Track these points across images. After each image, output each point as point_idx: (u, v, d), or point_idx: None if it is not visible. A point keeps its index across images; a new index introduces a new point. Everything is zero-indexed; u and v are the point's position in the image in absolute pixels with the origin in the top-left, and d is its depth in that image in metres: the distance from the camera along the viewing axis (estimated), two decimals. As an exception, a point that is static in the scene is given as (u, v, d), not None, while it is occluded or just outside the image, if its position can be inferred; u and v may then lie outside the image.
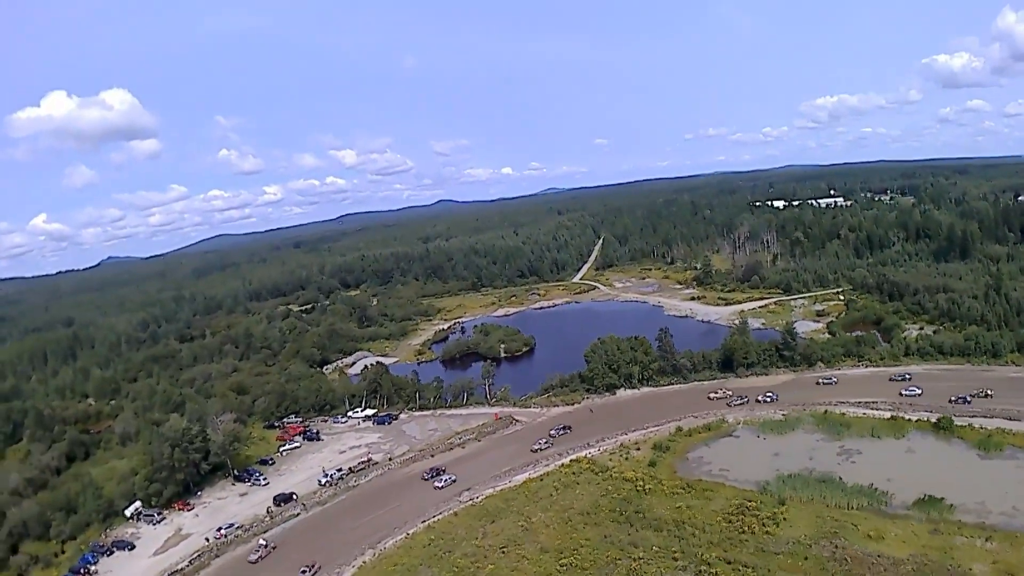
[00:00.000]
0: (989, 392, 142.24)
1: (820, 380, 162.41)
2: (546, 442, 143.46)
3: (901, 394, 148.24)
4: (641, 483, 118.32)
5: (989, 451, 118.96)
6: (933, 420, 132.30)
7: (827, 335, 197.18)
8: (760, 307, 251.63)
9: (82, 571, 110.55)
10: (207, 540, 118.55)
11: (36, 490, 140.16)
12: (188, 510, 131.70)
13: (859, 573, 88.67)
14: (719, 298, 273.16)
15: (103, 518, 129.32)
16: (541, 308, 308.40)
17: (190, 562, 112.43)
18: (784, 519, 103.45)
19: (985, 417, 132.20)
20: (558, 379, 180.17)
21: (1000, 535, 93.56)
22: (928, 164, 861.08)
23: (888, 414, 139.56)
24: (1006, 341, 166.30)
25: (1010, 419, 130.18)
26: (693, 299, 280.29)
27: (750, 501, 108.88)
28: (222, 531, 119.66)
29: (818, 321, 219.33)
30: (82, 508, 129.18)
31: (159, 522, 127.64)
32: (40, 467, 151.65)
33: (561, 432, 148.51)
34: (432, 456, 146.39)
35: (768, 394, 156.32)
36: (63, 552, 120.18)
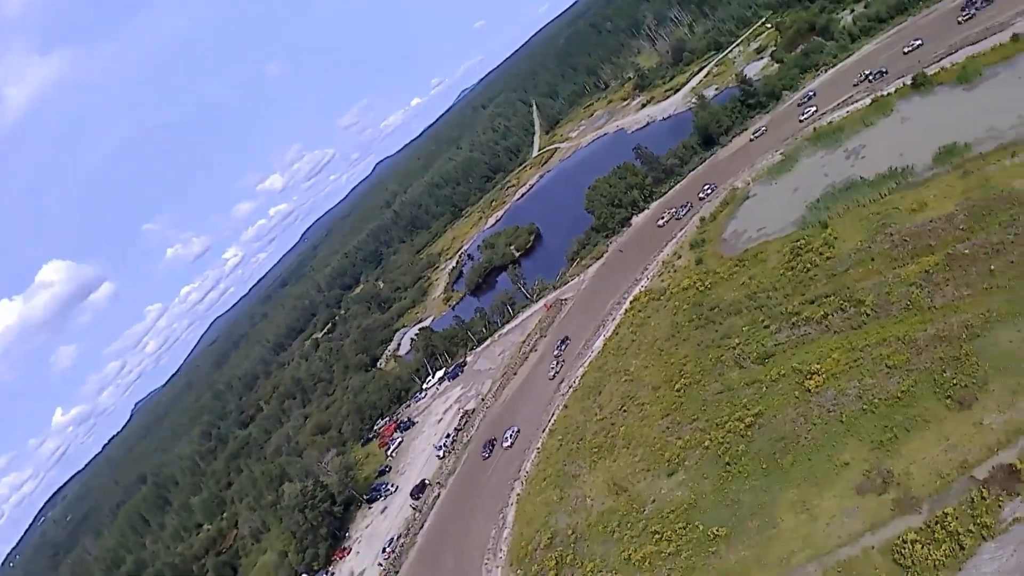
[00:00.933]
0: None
1: (801, 111, 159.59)
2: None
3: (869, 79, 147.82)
4: (699, 283, 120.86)
5: (971, 81, 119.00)
6: (909, 83, 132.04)
7: (776, 65, 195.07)
8: (705, 76, 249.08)
9: None
10: (380, 565, 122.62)
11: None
12: (347, 554, 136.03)
13: (924, 244, 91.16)
14: (666, 91, 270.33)
15: None
16: (522, 196, 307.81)
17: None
18: (836, 238, 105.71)
19: (951, 54, 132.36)
20: (576, 243, 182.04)
21: (1021, 145, 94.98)
22: None
23: (868, 99, 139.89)
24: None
25: (973, 43, 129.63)
26: (644, 106, 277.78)
27: (798, 241, 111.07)
28: (387, 550, 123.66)
29: (762, 57, 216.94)
30: None
31: None
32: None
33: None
34: (515, 374, 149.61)
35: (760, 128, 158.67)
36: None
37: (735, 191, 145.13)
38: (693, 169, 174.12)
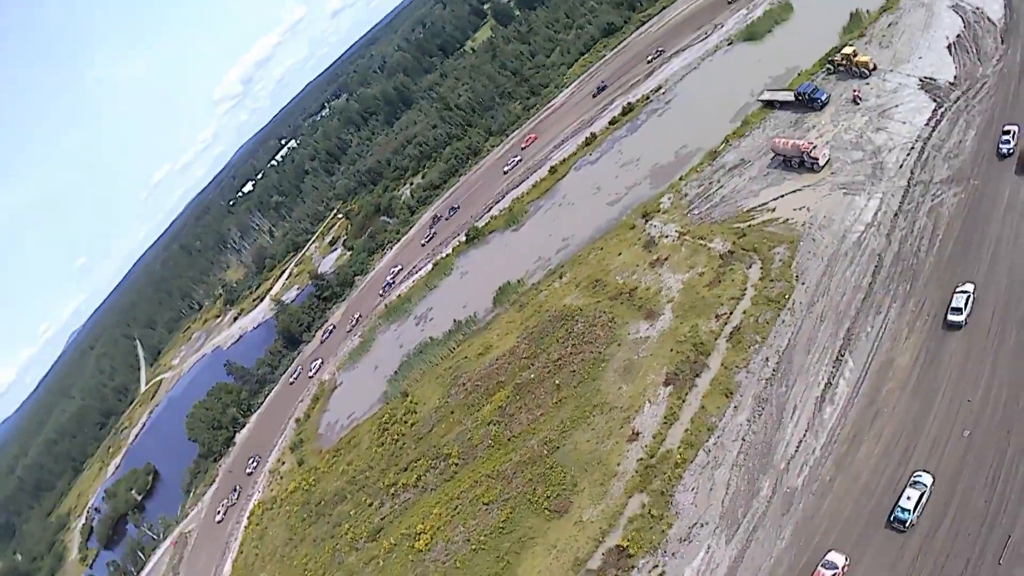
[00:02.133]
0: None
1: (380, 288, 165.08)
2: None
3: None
4: (304, 483, 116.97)
5: (518, 220, 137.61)
6: (463, 238, 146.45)
7: (348, 252, 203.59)
8: (287, 278, 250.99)
9: None
10: None
11: None
12: None
13: (495, 383, 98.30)
14: (253, 300, 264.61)
15: None
16: (136, 435, 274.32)
17: None
18: (416, 404, 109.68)
19: (498, 202, 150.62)
20: (188, 474, 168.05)
21: (566, 266, 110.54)
22: None
23: (430, 265, 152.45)
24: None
25: (517, 186, 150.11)
26: (236, 319, 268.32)
27: (383, 417, 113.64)
28: None
29: (335, 248, 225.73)
30: None
31: None
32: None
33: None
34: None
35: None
36: None
37: (323, 384, 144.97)
38: (284, 372, 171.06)
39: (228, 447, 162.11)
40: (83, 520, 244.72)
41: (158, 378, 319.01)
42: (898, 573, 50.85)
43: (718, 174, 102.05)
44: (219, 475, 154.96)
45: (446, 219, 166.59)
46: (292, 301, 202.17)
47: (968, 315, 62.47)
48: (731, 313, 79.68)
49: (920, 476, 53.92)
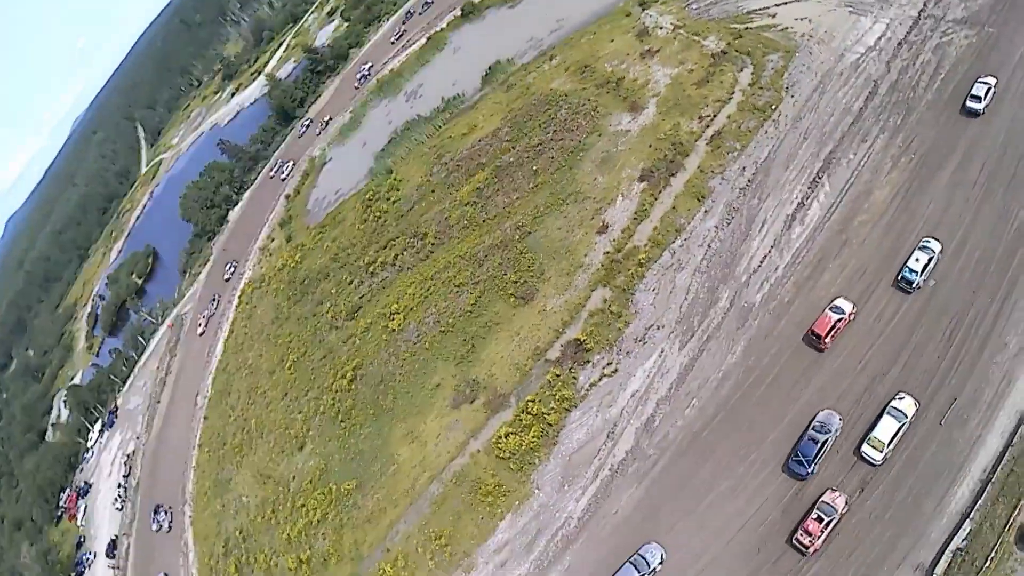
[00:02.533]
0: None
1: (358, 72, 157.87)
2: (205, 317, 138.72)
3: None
4: (291, 260, 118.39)
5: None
6: (459, 13, 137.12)
7: (345, 24, 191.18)
8: (284, 51, 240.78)
9: None
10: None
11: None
12: None
13: (476, 164, 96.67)
14: (251, 75, 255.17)
15: None
16: (137, 218, 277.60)
17: None
18: (400, 181, 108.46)
19: None
20: (184, 254, 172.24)
21: (558, 48, 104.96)
22: None
23: (424, 38, 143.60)
24: None
25: None
26: (233, 95, 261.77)
27: (368, 193, 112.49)
28: None
29: (333, 19, 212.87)
30: None
31: None
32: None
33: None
34: (158, 402, 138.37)
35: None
36: None
37: (313, 160, 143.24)
38: (277, 149, 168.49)
39: (222, 225, 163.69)
40: (88, 309, 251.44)
41: (158, 159, 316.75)
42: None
43: None
44: (213, 253, 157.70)
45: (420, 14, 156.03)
46: (288, 76, 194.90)
47: (986, 105, 62.00)
48: (715, 116, 76.84)
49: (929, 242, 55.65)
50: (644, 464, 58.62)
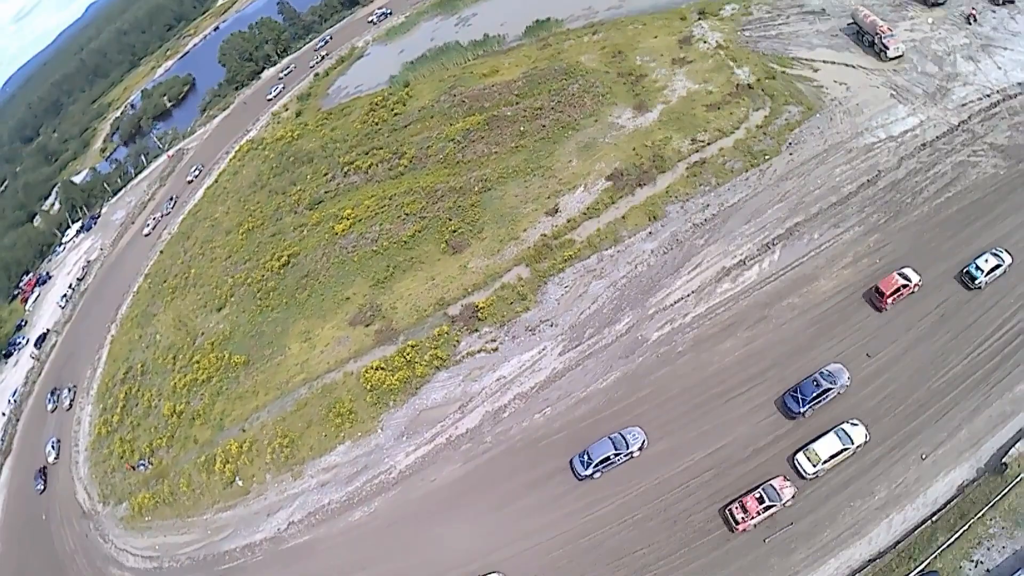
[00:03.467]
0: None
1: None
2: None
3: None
4: (291, 134, 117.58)
5: None
6: None
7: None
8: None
9: None
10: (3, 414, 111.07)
11: None
12: None
13: (478, 106, 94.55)
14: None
15: None
16: (195, 45, 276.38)
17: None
18: (410, 96, 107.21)
19: None
20: (209, 94, 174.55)
21: (606, 26, 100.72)
22: None
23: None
24: None
25: None
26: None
27: (379, 97, 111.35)
28: (9, 401, 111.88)
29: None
30: None
31: None
32: None
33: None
34: (132, 223, 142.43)
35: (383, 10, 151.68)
36: None
37: (353, 50, 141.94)
38: (332, 27, 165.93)
39: (252, 80, 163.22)
40: (118, 114, 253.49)
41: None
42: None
43: (793, 10, 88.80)
44: (234, 103, 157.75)
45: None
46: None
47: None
48: (708, 144, 73.20)
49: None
50: (476, 448, 58.35)
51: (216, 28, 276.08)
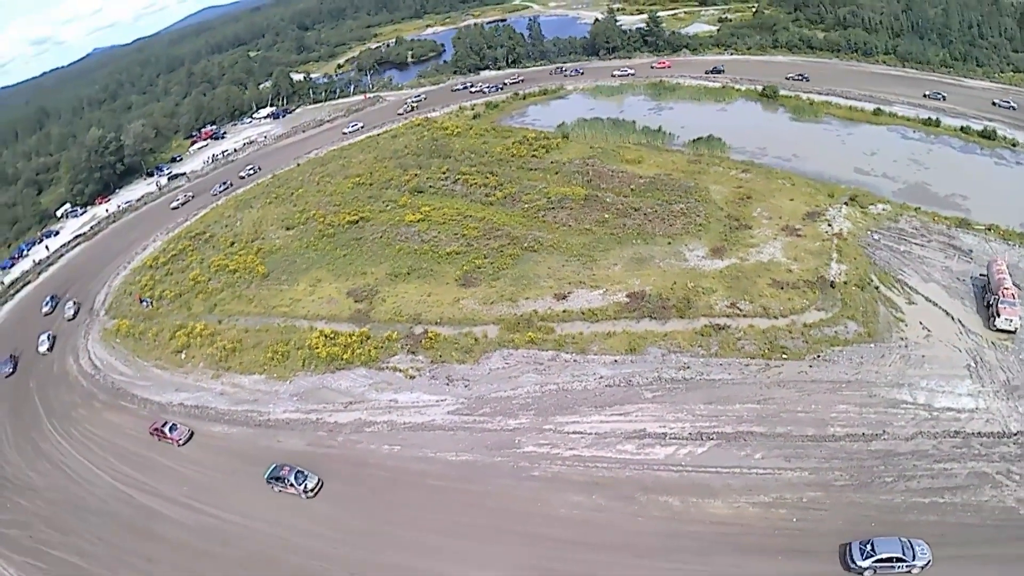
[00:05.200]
0: (806, 76, 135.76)
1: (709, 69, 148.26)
2: (404, 109, 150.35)
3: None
4: (455, 130, 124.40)
5: (802, 116, 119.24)
6: (759, 90, 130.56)
7: (713, 30, 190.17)
8: (670, 14, 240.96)
9: (17, 256, 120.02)
10: (107, 211, 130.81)
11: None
12: (106, 201, 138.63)
13: (593, 182, 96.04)
14: (636, 10, 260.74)
15: (39, 221, 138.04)
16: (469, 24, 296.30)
17: (91, 227, 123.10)
18: (558, 148, 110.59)
19: (821, 94, 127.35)
20: (432, 67, 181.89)
21: (761, 170, 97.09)
22: None
23: (720, 84, 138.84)
24: (879, 42, 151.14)
25: (855, 99, 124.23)
26: (611, 12, 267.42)
27: (536, 136, 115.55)
28: (120, 207, 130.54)
29: (715, 26, 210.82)
30: (22, 218, 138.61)
31: (81, 215, 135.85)
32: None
33: (417, 100, 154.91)
34: (303, 132, 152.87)
35: (627, 69, 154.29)
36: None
37: (561, 88, 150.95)
38: (566, 62, 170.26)
39: (472, 72, 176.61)
40: (374, 46, 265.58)
41: None
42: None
43: (940, 238, 78.27)
44: (443, 84, 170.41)
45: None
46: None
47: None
48: (741, 315, 66.50)
49: None
50: (324, 440, 59.72)
51: (503, 20, 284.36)
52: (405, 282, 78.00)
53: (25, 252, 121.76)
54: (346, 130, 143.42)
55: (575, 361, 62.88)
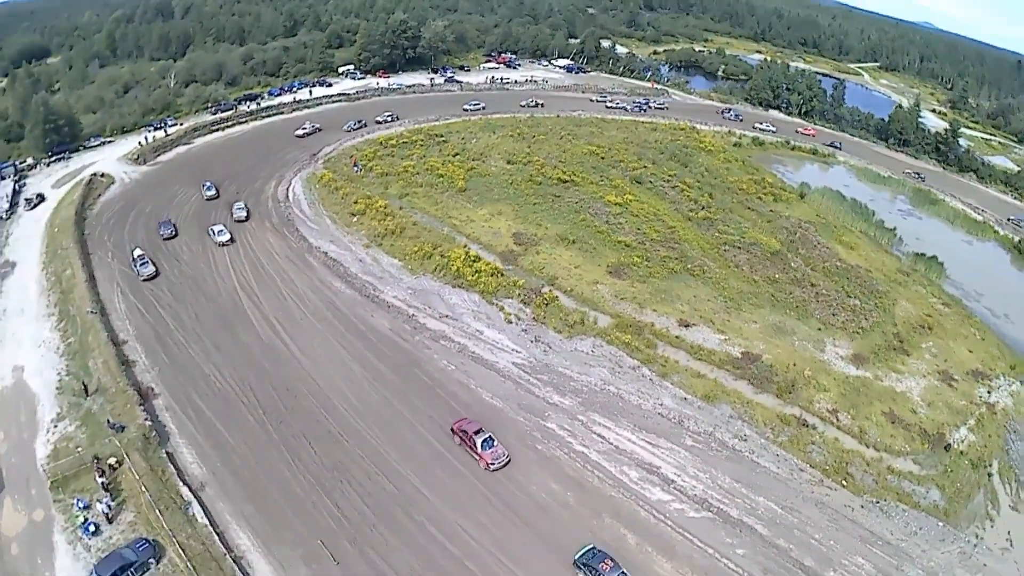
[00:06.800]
0: None
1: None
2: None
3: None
4: (709, 147, 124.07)
5: None
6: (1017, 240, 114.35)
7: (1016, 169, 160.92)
8: (985, 138, 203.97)
9: (285, 90, 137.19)
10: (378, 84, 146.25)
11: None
12: (385, 77, 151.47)
13: (795, 245, 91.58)
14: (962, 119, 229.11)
15: (320, 69, 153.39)
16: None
17: (357, 93, 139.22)
18: (787, 202, 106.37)
19: None
20: (728, 87, 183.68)
21: (960, 311, 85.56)
22: None
23: (981, 219, 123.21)
24: None
25: None
26: (917, 104, 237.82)
27: (775, 184, 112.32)
28: (391, 84, 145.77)
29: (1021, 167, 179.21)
30: (308, 60, 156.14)
31: (359, 79, 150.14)
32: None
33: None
34: (581, 92, 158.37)
35: (768, 124, 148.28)
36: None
37: (833, 155, 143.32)
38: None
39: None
40: None
41: None
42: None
43: None
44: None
45: None
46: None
47: None
48: (829, 419, 59.57)
49: None
50: (410, 334, 64.66)
51: (828, 75, 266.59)
52: (566, 247, 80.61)
53: (295, 88, 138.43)
54: (609, 104, 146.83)
55: (650, 380, 61.58)
